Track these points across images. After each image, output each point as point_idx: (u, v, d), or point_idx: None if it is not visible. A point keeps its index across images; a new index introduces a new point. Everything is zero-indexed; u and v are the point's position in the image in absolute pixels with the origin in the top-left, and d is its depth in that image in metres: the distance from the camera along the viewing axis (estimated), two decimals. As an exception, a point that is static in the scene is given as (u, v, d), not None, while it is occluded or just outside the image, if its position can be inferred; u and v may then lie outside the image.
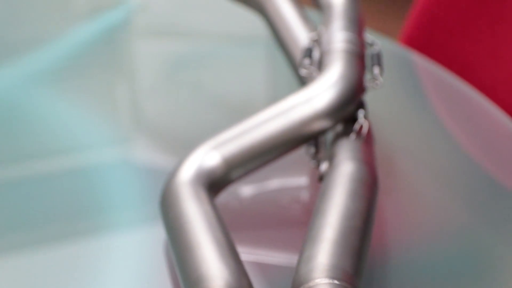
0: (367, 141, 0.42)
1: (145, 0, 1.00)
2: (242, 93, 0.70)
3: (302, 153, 0.45)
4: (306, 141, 0.42)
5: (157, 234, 0.43)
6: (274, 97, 0.71)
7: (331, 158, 0.40)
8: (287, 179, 0.52)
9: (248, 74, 0.75)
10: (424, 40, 0.78)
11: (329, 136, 0.43)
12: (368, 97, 0.46)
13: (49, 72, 0.75)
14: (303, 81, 0.51)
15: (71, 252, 0.46)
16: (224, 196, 0.43)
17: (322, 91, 0.42)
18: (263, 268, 0.43)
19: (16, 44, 0.84)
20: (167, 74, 0.75)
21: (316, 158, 0.45)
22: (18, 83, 0.72)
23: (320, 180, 0.40)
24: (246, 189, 0.49)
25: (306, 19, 0.53)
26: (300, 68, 0.47)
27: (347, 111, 0.42)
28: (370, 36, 0.51)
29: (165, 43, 0.84)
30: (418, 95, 0.67)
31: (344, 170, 0.38)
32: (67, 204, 0.50)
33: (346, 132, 0.42)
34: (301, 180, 0.52)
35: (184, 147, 0.58)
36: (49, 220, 0.49)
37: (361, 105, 0.44)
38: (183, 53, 0.80)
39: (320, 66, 0.46)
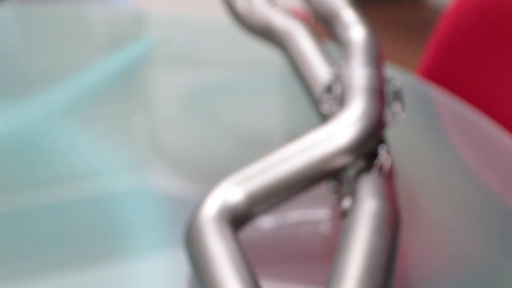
0: (389, 176, 0.42)
1: (164, 33, 1.01)
2: (258, 123, 0.70)
3: (323, 187, 0.45)
4: (328, 177, 0.43)
5: (176, 261, 0.44)
6: (290, 127, 0.72)
7: (353, 195, 0.40)
8: (308, 212, 0.52)
9: (264, 104, 0.75)
10: (441, 73, 0.79)
11: (351, 171, 0.44)
12: (387, 131, 0.47)
13: (69, 102, 0.76)
14: (322, 116, 0.52)
15: (89, 280, 0.47)
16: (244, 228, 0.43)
17: (344, 128, 0.42)
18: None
19: (37, 75, 0.85)
20: (185, 104, 0.76)
21: (338, 194, 0.45)
22: (39, 112, 0.72)
23: (343, 216, 0.40)
24: (266, 222, 0.49)
25: (326, 54, 0.54)
26: (320, 104, 0.48)
27: (368, 147, 0.43)
28: (390, 71, 0.51)
29: (183, 74, 0.85)
30: (436, 128, 0.68)
31: (367, 207, 0.38)
32: (86, 231, 0.51)
33: (367, 168, 0.43)
34: (321, 213, 0.53)
35: (200, 175, 0.59)
36: (68, 247, 0.50)
37: (382, 140, 0.44)
38: (200, 83, 0.81)
39: (341, 101, 0.46)
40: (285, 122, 0.73)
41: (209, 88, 0.80)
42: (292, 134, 0.70)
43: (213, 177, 0.49)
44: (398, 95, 0.48)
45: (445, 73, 0.78)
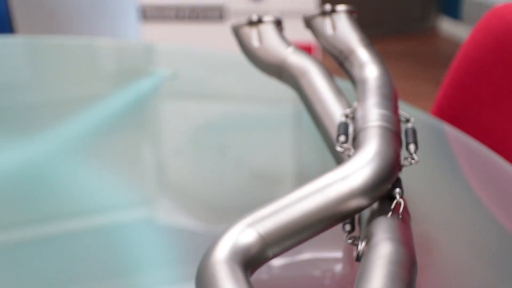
0: (403, 219, 0.42)
1: (174, 66, 1.01)
2: (269, 159, 0.70)
3: (337, 228, 0.45)
4: (344, 219, 0.42)
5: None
6: (301, 164, 0.71)
7: (368, 237, 0.40)
8: (322, 254, 0.52)
9: (274, 137, 0.75)
10: (456, 112, 0.78)
11: (366, 213, 0.43)
12: (402, 172, 0.46)
13: (78, 136, 0.76)
14: (336, 155, 0.51)
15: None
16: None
17: (358, 169, 0.42)
18: None
19: (46, 109, 0.85)
20: (194, 139, 0.76)
21: (353, 236, 0.45)
22: (49, 146, 0.73)
23: (358, 259, 0.40)
24: (279, 263, 0.48)
25: (340, 94, 0.54)
26: (336, 145, 0.48)
27: (383, 189, 0.42)
28: (404, 111, 0.51)
29: (193, 108, 0.85)
30: (451, 167, 0.67)
31: (382, 251, 0.37)
32: (94, 267, 0.51)
33: (382, 210, 0.42)
34: (335, 255, 0.52)
35: (209, 211, 0.59)
36: (76, 282, 0.50)
37: (397, 183, 0.44)
38: (210, 118, 0.81)
39: (356, 143, 0.46)
40: (295, 158, 0.73)
41: (219, 123, 0.80)
42: (303, 171, 0.69)
43: (222, 213, 0.49)
44: (412, 136, 0.48)
45: (460, 112, 0.78)
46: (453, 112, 0.79)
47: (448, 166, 0.67)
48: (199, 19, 2.55)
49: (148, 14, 2.56)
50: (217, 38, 2.52)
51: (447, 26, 3.54)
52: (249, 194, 0.61)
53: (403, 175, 0.46)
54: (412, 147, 0.47)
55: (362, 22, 0.60)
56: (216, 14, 2.53)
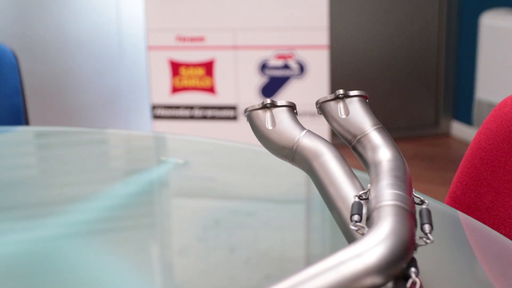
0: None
1: (183, 158, 1.02)
2: (277, 256, 0.69)
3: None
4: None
5: None
6: (309, 261, 0.70)
7: (384, 316, 0.39)
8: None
9: (283, 236, 0.75)
10: (471, 201, 0.78)
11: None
12: (417, 254, 0.46)
13: (86, 230, 0.75)
14: (349, 240, 0.51)
15: None
16: None
17: (373, 246, 0.41)
18: None
19: (56, 202, 0.85)
20: (202, 235, 0.75)
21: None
22: (57, 240, 0.72)
23: None
24: None
25: (354, 177, 0.54)
26: (350, 224, 0.47)
27: (398, 267, 0.41)
28: (418, 194, 0.51)
29: (201, 204, 0.85)
30: (466, 253, 0.66)
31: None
32: None
33: (398, 290, 0.41)
34: None
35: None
36: None
37: (412, 262, 0.43)
38: (219, 214, 0.81)
39: (369, 221, 0.46)
40: (306, 258, 0.72)
41: (228, 221, 0.79)
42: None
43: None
44: (427, 217, 0.47)
45: (474, 201, 0.77)
46: (467, 201, 0.78)
47: (463, 252, 0.66)
48: (211, 118, 2.58)
49: (161, 113, 2.60)
50: (230, 137, 2.54)
51: (460, 131, 3.57)
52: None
53: (419, 258, 0.45)
54: (427, 227, 0.46)
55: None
56: (229, 114, 2.56)
